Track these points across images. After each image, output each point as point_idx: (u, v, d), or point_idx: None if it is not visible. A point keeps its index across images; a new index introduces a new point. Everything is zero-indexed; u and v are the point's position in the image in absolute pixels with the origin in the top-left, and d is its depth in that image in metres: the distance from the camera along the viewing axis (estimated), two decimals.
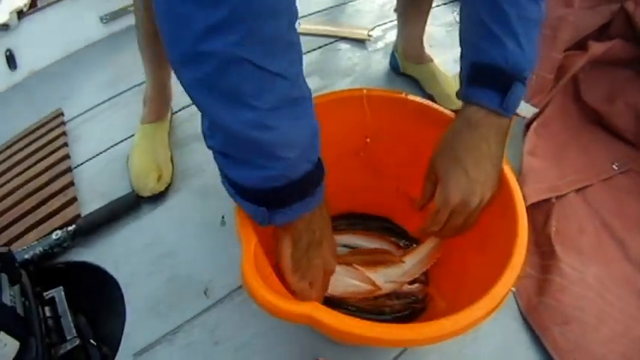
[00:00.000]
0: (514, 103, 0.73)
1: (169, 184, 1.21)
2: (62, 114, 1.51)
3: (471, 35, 0.77)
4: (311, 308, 0.58)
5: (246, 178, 0.58)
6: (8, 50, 1.78)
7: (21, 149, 1.39)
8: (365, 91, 0.91)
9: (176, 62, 0.50)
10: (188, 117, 1.43)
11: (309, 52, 1.78)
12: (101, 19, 1.96)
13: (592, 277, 1.00)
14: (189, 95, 0.53)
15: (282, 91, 0.52)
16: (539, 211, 1.14)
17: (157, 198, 1.18)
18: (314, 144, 0.60)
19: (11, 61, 1.79)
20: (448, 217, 0.75)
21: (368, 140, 0.95)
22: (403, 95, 0.91)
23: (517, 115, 1.19)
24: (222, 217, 1.04)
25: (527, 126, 1.35)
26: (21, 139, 1.44)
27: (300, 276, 0.69)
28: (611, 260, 1.07)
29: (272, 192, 0.58)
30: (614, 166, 1.31)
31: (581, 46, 1.41)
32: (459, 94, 0.78)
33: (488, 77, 0.73)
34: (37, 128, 1.46)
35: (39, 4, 1.91)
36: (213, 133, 0.57)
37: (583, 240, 1.09)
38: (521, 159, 1.25)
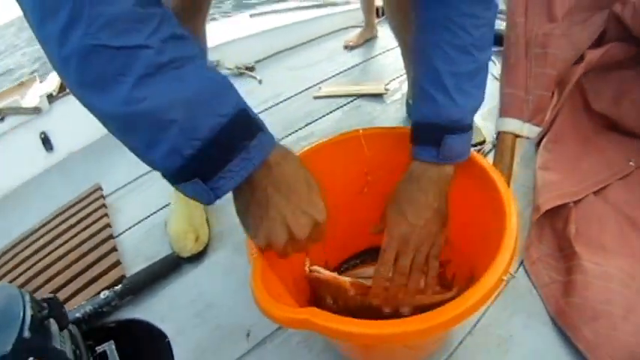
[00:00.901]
0: (450, 153, 0.84)
1: (207, 244, 1.32)
2: (101, 188, 1.67)
3: (414, 99, 0.90)
4: (309, 314, 0.65)
5: (156, 161, 0.57)
6: (43, 133, 1.96)
7: (62, 222, 1.53)
8: (361, 130, 1.01)
9: (60, 77, 0.55)
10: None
11: (331, 112, 1.93)
12: None
13: (615, 269, 1.02)
14: (79, 101, 0.56)
15: (146, 61, 0.52)
16: (558, 217, 1.17)
17: (197, 258, 1.29)
18: (219, 96, 0.57)
19: (47, 143, 1.98)
20: (397, 259, 0.86)
21: (368, 177, 1.04)
22: (397, 129, 1.01)
23: (519, 136, 1.27)
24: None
25: (538, 144, 1.41)
26: (61, 213, 1.58)
27: (265, 240, 0.69)
28: (637, 250, 1.09)
29: (191, 163, 0.56)
30: (630, 163, 1.34)
31: (580, 58, 1.47)
32: None
33: (424, 134, 0.86)
34: (77, 202, 1.61)
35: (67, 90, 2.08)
36: (108, 128, 0.57)
37: (605, 237, 1.12)
38: (535, 175, 1.30)
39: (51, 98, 2.00)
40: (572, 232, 1.10)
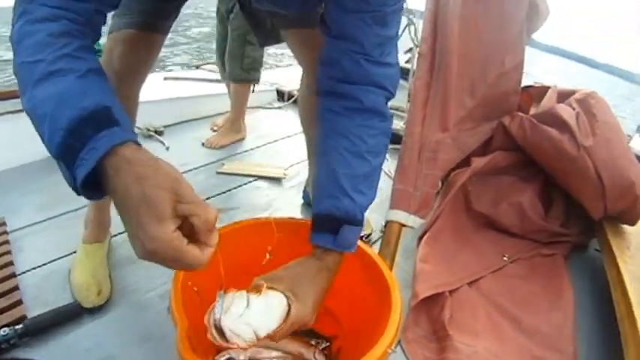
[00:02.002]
0: (344, 242, 0.96)
1: (109, 299, 1.36)
2: (5, 223, 1.64)
3: (314, 193, 1.03)
4: None
5: (46, 148, 0.68)
6: None
7: None
8: (272, 219, 1.12)
9: None
10: (124, 241, 1.60)
11: (230, 190, 2.02)
12: None
13: (484, 349, 1.18)
14: None
15: (41, 70, 0.67)
16: (434, 304, 1.32)
17: (98, 310, 1.33)
18: (84, 94, 0.66)
19: None
20: None
21: (268, 256, 1.09)
22: (299, 221, 1.13)
23: (405, 225, 1.41)
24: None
25: (420, 239, 1.57)
26: None
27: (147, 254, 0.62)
28: (505, 335, 1.26)
29: (60, 150, 0.65)
30: (504, 258, 1.55)
31: (466, 162, 1.68)
32: None
33: (323, 223, 0.97)
34: None
35: None
36: None
37: (477, 324, 1.28)
38: (415, 266, 1.45)
39: None
40: (447, 317, 1.25)
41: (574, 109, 1.62)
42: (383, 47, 0.99)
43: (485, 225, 1.70)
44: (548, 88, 1.84)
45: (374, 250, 1.06)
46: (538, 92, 1.86)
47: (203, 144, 2.45)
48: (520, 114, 1.71)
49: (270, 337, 0.81)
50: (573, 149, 1.52)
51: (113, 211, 1.42)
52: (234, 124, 2.53)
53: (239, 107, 2.51)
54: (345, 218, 0.96)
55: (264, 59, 2.51)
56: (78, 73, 0.68)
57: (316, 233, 0.98)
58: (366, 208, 0.99)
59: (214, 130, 2.62)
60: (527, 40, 1.77)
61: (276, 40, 1.52)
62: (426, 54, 1.58)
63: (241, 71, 2.37)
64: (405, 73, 2.35)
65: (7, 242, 1.54)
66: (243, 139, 2.58)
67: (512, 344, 1.24)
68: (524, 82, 1.85)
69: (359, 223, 0.98)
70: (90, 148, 0.62)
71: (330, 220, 0.96)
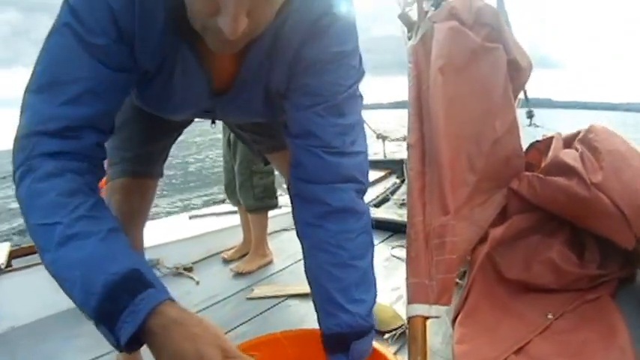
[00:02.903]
0: (358, 354, 0.97)
1: None
2: None
3: (317, 312, 1.02)
4: None
5: (80, 307, 0.72)
6: None
7: None
8: (280, 333, 1.13)
9: None
10: None
11: (261, 313, 2.02)
12: None
13: None
14: None
15: (60, 233, 0.72)
16: None
17: None
18: (112, 258, 0.72)
19: None
20: None
21: None
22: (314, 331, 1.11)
23: (428, 317, 1.37)
24: None
25: (454, 321, 1.52)
26: None
27: None
28: None
29: (97, 312, 0.69)
30: (549, 317, 1.48)
31: (484, 237, 1.66)
32: None
33: (332, 344, 0.98)
34: None
35: (13, 265, 2.25)
36: None
37: None
38: (452, 351, 1.39)
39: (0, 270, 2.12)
40: None
41: (577, 149, 1.62)
42: (344, 137, 0.97)
43: (521, 290, 1.64)
44: (553, 137, 1.85)
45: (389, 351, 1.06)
46: (545, 145, 1.87)
47: (231, 269, 2.49)
48: (526, 173, 1.72)
49: None
50: (584, 191, 1.50)
51: (143, 350, 1.50)
52: (259, 249, 2.55)
53: (259, 234, 2.55)
54: (350, 333, 0.96)
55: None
56: (99, 236, 0.73)
57: (330, 355, 0.99)
58: (368, 313, 0.98)
59: (226, 260, 2.66)
60: (516, 100, 1.78)
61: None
62: (415, 144, 1.61)
63: (254, 201, 2.43)
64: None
65: None
66: (270, 262, 2.58)
67: None
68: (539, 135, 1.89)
69: (366, 330, 0.98)
70: (130, 311, 0.68)
71: (337, 340, 0.97)
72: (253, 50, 0.88)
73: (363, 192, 1.04)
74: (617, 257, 1.62)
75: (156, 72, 0.90)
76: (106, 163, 0.96)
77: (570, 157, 1.58)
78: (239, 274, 2.44)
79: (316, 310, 1.02)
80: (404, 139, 2.07)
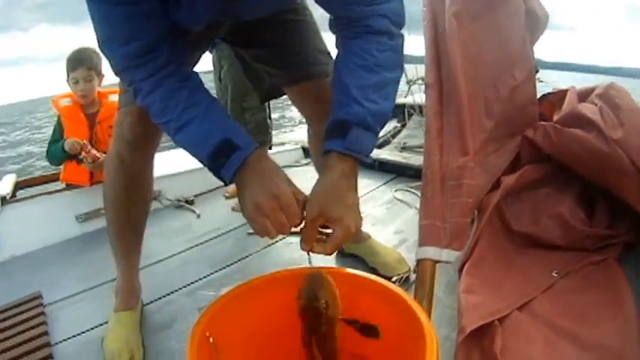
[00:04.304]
0: (355, 144, 0.99)
1: None
2: (41, 296, 1.70)
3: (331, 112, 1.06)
4: None
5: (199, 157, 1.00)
6: None
7: None
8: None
9: None
10: (158, 308, 1.63)
11: (263, 249, 2.01)
12: (77, 218, 2.30)
13: None
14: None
15: (173, 127, 1.00)
16: (484, 336, 1.22)
17: None
18: (209, 136, 0.96)
19: None
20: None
21: None
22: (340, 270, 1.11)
23: (438, 261, 1.34)
24: None
25: (460, 270, 1.48)
26: None
27: (257, 217, 0.92)
28: (566, 356, 1.16)
29: (208, 167, 0.98)
30: (554, 274, 1.44)
31: (497, 185, 1.61)
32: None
33: (333, 129, 1.01)
34: (15, 306, 1.64)
35: (18, 195, 2.30)
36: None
37: (532, 349, 1.18)
38: (459, 299, 1.34)
39: (4, 201, 2.16)
40: (499, 348, 1.15)
41: (596, 104, 1.55)
42: None
43: (527, 244, 1.60)
44: (567, 91, 1.77)
45: (408, 293, 0.99)
46: (558, 98, 1.79)
47: (233, 208, 2.45)
48: (542, 123, 1.65)
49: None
50: (603, 145, 1.43)
51: (146, 280, 1.59)
52: None
53: None
54: (353, 121, 0.99)
55: (291, 118, 2.55)
56: (199, 120, 0.98)
57: (327, 141, 1.02)
58: (379, 117, 1.03)
59: (227, 197, 2.64)
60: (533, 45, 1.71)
61: (277, 95, 1.58)
62: (433, 83, 1.56)
63: None
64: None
65: (42, 314, 1.60)
66: None
67: None
68: (543, 91, 1.81)
69: (370, 128, 1.01)
70: (227, 168, 0.96)
71: (338, 125, 1.01)
72: None
73: (400, 25, 1.08)
74: (625, 221, 1.56)
75: None
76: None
77: (590, 110, 1.51)
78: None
79: (332, 108, 1.06)
80: (421, 79, 2.02)
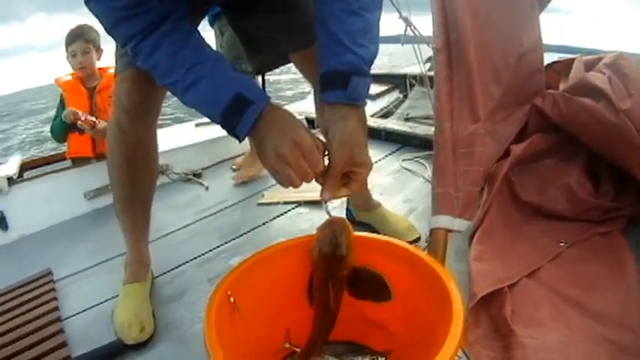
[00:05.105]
0: (356, 92, 1.00)
1: (152, 335, 1.35)
2: (51, 273, 1.72)
3: (319, 55, 1.06)
4: None
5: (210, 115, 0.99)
6: (0, 212, 2.07)
7: (9, 300, 1.56)
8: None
9: None
10: (168, 280, 1.64)
11: (274, 218, 2.01)
12: (85, 195, 2.30)
13: (552, 341, 1.10)
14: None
15: (181, 87, 0.97)
16: (493, 302, 1.24)
17: (142, 346, 1.32)
18: (221, 91, 0.94)
19: (2, 222, 2.08)
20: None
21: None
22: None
23: (451, 230, 1.36)
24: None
25: (471, 238, 1.49)
26: (9, 291, 1.62)
27: (279, 165, 0.93)
28: (572, 322, 1.18)
29: (222, 123, 0.96)
30: (561, 244, 1.46)
31: (506, 154, 1.62)
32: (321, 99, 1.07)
33: (331, 80, 1.01)
34: (26, 283, 1.65)
35: (25, 176, 2.31)
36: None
37: (540, 314, 1.20)
38: (469, 266, 1.37)
39: (11, 181, 2.14)
40: (508, 313, 1.18)
41: (604, 73, 1.53)
42: None
43: (535, 214, 1.61)
44: (574, 59, 1.76)
45: (426, 254, 1.01)
46: (564, 66, 1.79)
47: (234, 179, 2.46)
48: (551, 91, 1.64)
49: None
50: (612, 115, 1.43)
51: (155, 253, 1.60)
52: (254, 150, 2.46)
53: None
54: (351, 70, 1.00)
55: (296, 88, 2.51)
56: (208, 76, 0.96)
57: (326, 92, 1.02)
58: (370, 61, 1.04)
59: (234, 170, 2.62)
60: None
61: (272, 67, 1.59)
62: (442, 48, 1.55)
63: None
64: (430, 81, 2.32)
65: (53, 290, 1.61)
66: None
67: (580, 330, 1.15)
68: (546, 61, 1.78)
69: (366, 74, 1.02)
70: (242, 124, 0.94)
71: (337, 76, 1.01)
72: None
73: None
74: (631, 194, 1.58)
75: None
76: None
77: (598, 79, 1.50)
78: (244, 183, 2.40)
79: (320, 55, 1.05)
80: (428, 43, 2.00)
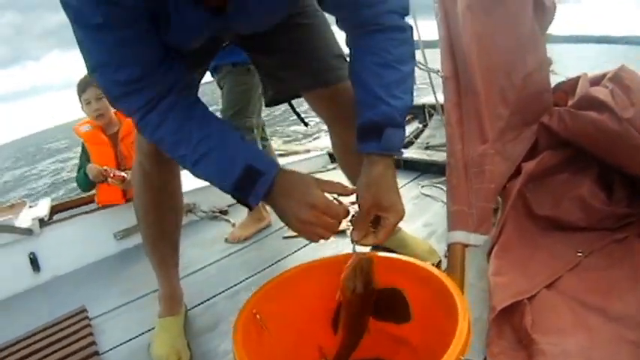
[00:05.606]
0: (390, 143, 1.05)
1: None
2: (86, 310, 1.79)
3: (356, 109, 1.10)
4: None
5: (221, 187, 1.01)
6: (32, 254, 2.15)
7: (46, 337, 1.63)
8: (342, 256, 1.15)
9: None
10: (201, 312, 1.71)
11: (299, 250, 2.07)
12: (115, 235, 2.38)
13: (573, 345, 1.13)
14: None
15: (190, 160, 1.00)
16: (514, 314, 1.27)
17: None
18: (231, 165, 0.97)
19: (35, 263, 2.15)
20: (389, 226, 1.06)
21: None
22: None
23: (467, 245, 1.40)
24: None
25: (489, 254, 1.53)
26: (46, 328, 1.69)
27: (305, 229, 0.99)
28: (593, 327, 1.20)
29: (233, 195, 1.00)
30: (578, 254, 1.49)
31: (517, 172, 1.65)
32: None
33: (366, 132, 1.06)
34: (63, 320, 1.73)
35: (54, 218, 2.36)
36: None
37: (560, 321, 1.23)
38: (489, 282, 1.40)
39: (42, 222, 2.22)
40: (529, 323, 1.20)
41: (607, 87, 1.57)
42: None
43: (551, 227, 1.64)
44: (579, 78, 1.80)
45: (442, 272, 1.05)
46: (571, 86, 1.82)
47: (226, 239, 2.36)
48: (557, 108, 1.68)
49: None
50: (615, 125, 1.47)
51: (187, 288, 1.66)
52: (254, 213, 2.42)
53: None
54: (385, 122, 1.04)
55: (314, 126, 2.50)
56: (217, 150, 0.98)
57: (362, 143, 1.08)
58: (404, 112, 1.07)
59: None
60: (543, 35, 1.75)
61: (283, 101, 1.57)
62: (450, 76, 1.61)
63: None
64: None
65: (88, 326, 1.68)
66: (268, 225, 2.44)
67: (602, 334, 1.18)
68: (555, 82, 1.83)
69: (399, 125, 1.07)
70: (254, 195, 0.97)
71: (371, 128, 1.05)
72: None
73: (407, 15, 1.11)
74: None
75: (159, 11, 0.96)
76: None
77: (601, 93, 1.54)
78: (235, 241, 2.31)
79: (357, 109, 1.10)
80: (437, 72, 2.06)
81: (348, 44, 1.17)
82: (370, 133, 1.05)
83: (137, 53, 0.95)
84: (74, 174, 2.55)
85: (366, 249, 1.08)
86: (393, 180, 1.07)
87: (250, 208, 0.92)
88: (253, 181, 0.96)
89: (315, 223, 0.96)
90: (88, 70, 0.98)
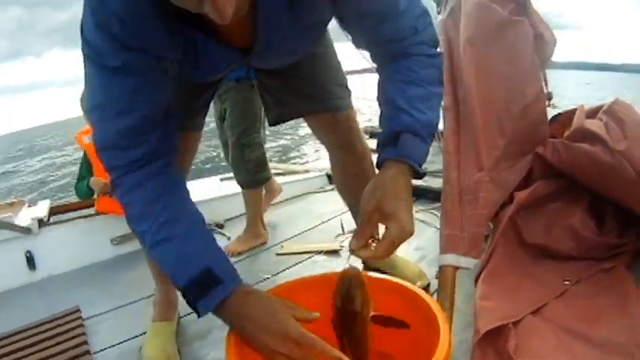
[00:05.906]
0: (406, 149, 0.98)
1: None
2: (79, 310, 1.80)
3: (382, 123, 1.07)
4: None
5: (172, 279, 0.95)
6: (29, 252, 2.18)
7: (39, 333, 1.65)
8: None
9: None
10: (194, 319, 1.68)
11: (291, 267, 2.09)
12: (111, 241, 2.41)
13: None
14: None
15: (150, 239, 0.93)
16: (498, 337, 1.27)
17: None
18: (189, 263, 0.91)
19: (31, 262, 2.18)
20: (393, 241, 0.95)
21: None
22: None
23: (459, 267, 1.43)
24: None
25: (477, 279, 1.55)
26: (39, 325, 1.71)
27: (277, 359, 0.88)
28: (577, 353, 1.21)
29: (183, 295, 0.93)
30: (566, 282, 1.50)
31: (510, 200, 1.67)
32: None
33: (386, 141, 1.01)
34: (56, 319, 1.74)
35: (52, 219, 2.39)
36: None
37: (544, 347, 1.24)
38: (475, 305, 1.40)
39: (41, 223, 2.26)
40: (512, 347, 1.20)
41: (602, 120, 1.61)
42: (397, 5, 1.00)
43: (541, 255, 1.66)
44: (575, 110, 1.83)
45: (429, 295, 1.06)
46: (567, 118, 1.85)
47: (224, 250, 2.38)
48: (552, 140, 1.71)
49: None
50: (608, 157, 1.50)
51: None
52: (252, 228, 2.45)
53: (255, 211, 2.45)
54: (402, 129, 0.99)
55: (313, 149, 2.51)
56: (180, 240, 0.93)
57: (382, 149, 1.02)
58: (428, 127, 1.02)
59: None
60: (544, 69, 1.78)
61: (287, 120, 1.56)
62: (450, 107, 1.65)
63: (248, 175, 2.35)
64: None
65: (81, 326, 1.70)
66: (264, 242, 2.46)
67: (585, 359, 1.19)
68: (552, 114, 1.87)
69: (419, 134, 1.00)
70: (204, 302, 0.91)
71: (391, 136, 1.00)
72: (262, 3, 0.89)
73: (436, 45, 1.08)
74: (636, 228, 1.61)
75: (182, 56, 0.95)
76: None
77: (595, 125, 1.58)
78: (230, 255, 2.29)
79: (380, 124, 1.07)
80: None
81: (374, 64, 1.14)
82: (388, 141, 1.01)
83: (144, 102, 0.92)
84: (60, 172, 2.57)
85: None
86: (403, 188, 0.97)
87: (198, 315, 0.83)
88: (208, 287, 0.90)
89: (289, 354, 0.86)
90: (87, 106, 0.95)
